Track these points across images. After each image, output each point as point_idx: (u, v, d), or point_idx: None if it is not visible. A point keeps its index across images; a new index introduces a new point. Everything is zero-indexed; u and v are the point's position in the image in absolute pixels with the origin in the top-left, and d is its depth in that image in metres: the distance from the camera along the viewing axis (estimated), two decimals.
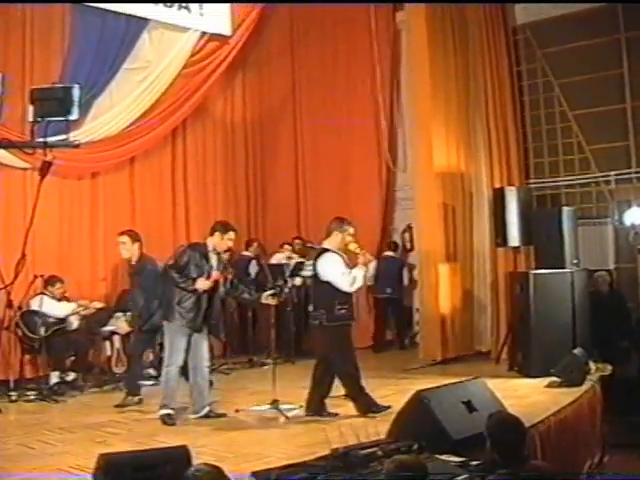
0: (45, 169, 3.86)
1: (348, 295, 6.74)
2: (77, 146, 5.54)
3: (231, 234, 6.89)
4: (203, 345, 6.83)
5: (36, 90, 3.96)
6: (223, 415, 6.78)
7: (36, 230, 7.59)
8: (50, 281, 8.49)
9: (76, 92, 3.89)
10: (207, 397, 6.84)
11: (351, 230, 6.82)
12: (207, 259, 6.76)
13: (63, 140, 4.73)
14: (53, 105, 3.83)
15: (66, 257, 9.43)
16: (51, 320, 8.30)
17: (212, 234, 6.88)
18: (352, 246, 6.80)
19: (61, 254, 9.36)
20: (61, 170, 8.86)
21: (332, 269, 6.68)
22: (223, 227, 6.91)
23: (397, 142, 11.64)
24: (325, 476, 4.30)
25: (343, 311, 6.71)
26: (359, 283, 6.73)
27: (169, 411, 6.60)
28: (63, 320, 8.45)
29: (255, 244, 10.66)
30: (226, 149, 11.64)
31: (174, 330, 6.71)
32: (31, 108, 3.89)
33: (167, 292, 6.80)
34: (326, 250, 6.81)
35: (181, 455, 4.27)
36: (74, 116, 3.93)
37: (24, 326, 8.20)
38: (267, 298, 6.97)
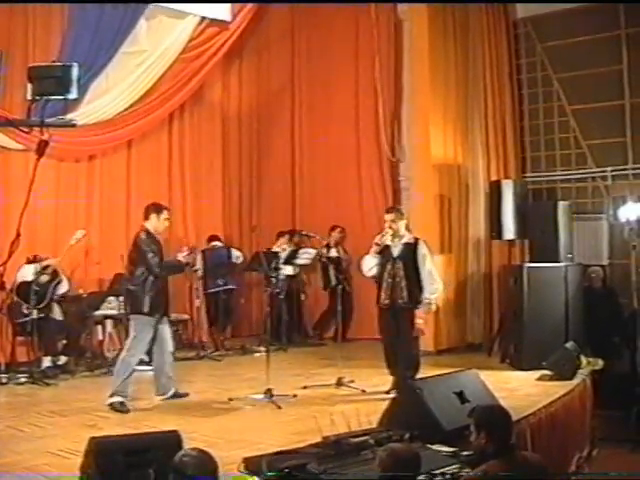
0: (42, 148, 3.82)
1: (379, 280, 7.15)
2: (74, 125, 5.51)
3: (166, 213, 6.96)
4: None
5: (34, 68, 3.91)
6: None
7: (32, 212, 7.56)
8: (34, 260, 8.35)
9: (75, 71, 3.85)
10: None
11: (386, 217, 7.20)
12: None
13: (60, 119, 4.70)
14: (52, 83, 3.79)
15: (61, 240, 9.37)
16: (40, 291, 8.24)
17: (148, 218, 6.92)
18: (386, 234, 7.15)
19: (56, 237, 9.33)
20: (58, 152, 8.88)
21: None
22: (156, 208, 6.96)
23: (401, 133, 11.44)
24: (316, 463, 4.29)
25: (379, 294, 7.18)
26: (366, 267, 7.21)
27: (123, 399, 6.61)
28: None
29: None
30: (223, 135, 11.60)
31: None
32: (29, 86, 3.85)
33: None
34: None
35: (172, 440, 4.27)
36: (73, 95, 3.89)
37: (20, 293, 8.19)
38: None
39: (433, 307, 7.34)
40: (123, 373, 6.63)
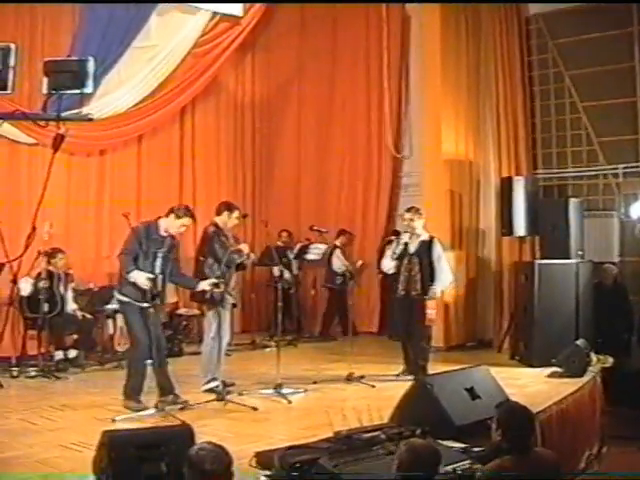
0: (58, 142, 3.85)
1: (397, 274, 7.69)
2: (91, 119, 5.55)
3: (237, 213, 7.23)
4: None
5: (50, 62, 3.94)
6: None
7: (43, 206, 7.60)
8: (52, 254, 8.24)
9: (91, 65, 3.88)
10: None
11: (406, 215, 7.78)
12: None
13: (76, 113, 4.73)
14: (67, 78, 3.81)
15: (71, 234, 9.43)
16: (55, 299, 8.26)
17: (220, 214, 7.14)
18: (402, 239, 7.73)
19: (67, 231, 9.36)
20: (69, 147, 8.88)
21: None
22: (229, 206, 7.26)
23: (403, 128, 11.40)
24: (328, 458, 4.29)
25: (396, 286, 7.72)
26: (386, 268, 7.85)
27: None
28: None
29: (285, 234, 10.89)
30: (233, 129, 11.65)
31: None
32: (45, 80, 3.87)
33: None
34: None
35: (185, 434, 4.26)
36: (89, 89, 3.92)
37: (26, 306, 8.19)
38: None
39: (438, 293, 7.87)
40: (215, 358, 6.94)
